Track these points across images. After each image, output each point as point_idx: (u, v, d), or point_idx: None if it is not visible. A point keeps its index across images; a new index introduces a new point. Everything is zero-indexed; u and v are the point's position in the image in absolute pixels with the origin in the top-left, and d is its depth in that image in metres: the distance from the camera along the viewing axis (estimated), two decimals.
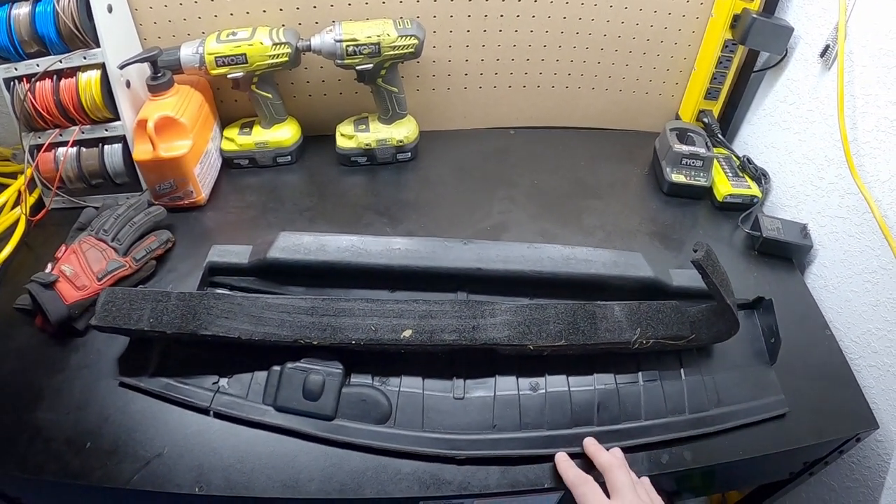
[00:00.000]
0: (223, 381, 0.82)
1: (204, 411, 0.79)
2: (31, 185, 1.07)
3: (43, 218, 1.07)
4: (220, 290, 0.90)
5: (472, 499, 0.75)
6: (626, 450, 0.76)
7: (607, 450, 0.75)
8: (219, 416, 0.79)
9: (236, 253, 0.93)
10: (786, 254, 1.02)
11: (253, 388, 0.81)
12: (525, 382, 0.83)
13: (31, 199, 1.08)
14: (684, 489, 0.90)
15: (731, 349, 0.89)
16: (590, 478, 0.71)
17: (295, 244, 0.91)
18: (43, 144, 1.03)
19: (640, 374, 0.85)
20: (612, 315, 0.84)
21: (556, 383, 0.83)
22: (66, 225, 1.01)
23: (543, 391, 0.82)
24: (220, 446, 0.76)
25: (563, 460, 0.75)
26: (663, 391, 0.84)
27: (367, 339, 0.80)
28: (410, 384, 0.83)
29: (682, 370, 0.87)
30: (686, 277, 0.92)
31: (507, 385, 0.83)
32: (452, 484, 0.75)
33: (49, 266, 0.91)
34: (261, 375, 0.82)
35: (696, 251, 0.78)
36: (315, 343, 0.80)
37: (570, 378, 0.83)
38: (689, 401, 0.83)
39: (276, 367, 0.81)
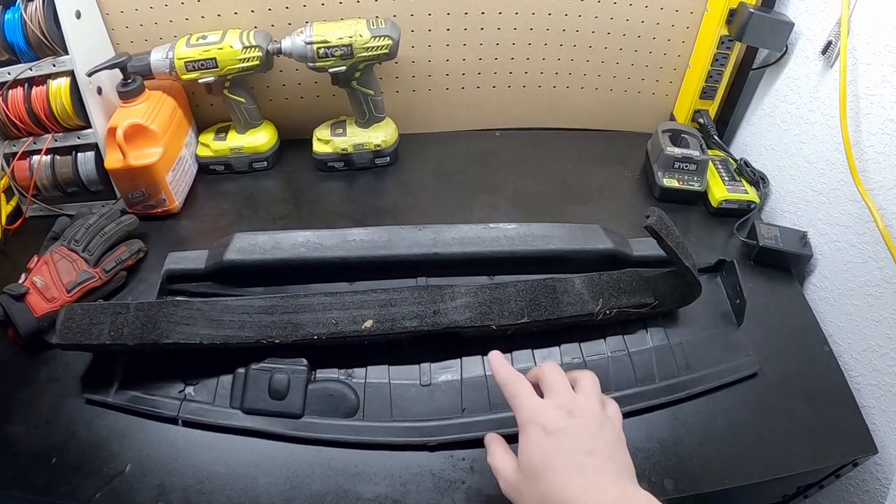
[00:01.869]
0: (189, 389, 0.82)
1: (172, 420, 0.79)
2: (8, 193, 1.07)
3: (20, 226, 1.07)
4: (179, 298, 0.90)
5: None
6: None
7: None
8: (187, 423, 0.79)
9: (193, 259, 0.93)
10: (784, 263, 0.98)
11: (219, 392, 0.81)
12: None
13: (9, 208, 1.08)
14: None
15: (697, 314, 0.90)
16: (522, 376, 0.65)
17: (250, 244, 0.91)
18: (17, 153, 1.02)
19: (605, 344, 0.86)
20: (572, 288, 0.85)
21: (522, 359, 0.84)
22: (43, 233, 1.00)
23: None
24: (184, 463, 0.76)
25: (496, 357, 0.69)
26: (631, 361, 0.85)
27: (328, 332, 0.81)
28: (376, 375, 0.83)
29: (648, 338, 0.88)
30: (647, 246, 0.93)
31: (473, 367, 0.83)
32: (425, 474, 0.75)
33: (22, 277, 0.91)
34: (226, 380, 0.82)
35: (648, 217, 0.78)
36: (277, 342, 0.80)
37: (535, 353, 0.85)
38: (658, 368, 0.84)
39: (241, 370, 0.81)
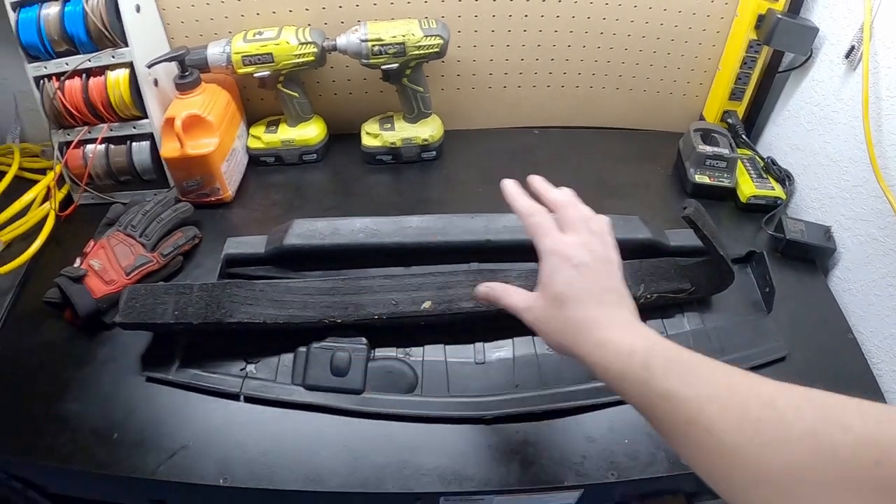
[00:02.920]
0: (250, 367, 0.84)
1: (234, 397, 0.81)
2: (60, 181, 1.09)
3: (71, 214, 1.09)
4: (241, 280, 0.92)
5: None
6: None
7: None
8: (249, 399, 0.81)
9: (252, 244, 0.95)
10: (809, 256, 1.01)
11: (281, 370, 0.83)
12: (542, 343, 0.82)
13: (60, 195, 1.10)
14: (704, 489, 0.90)
15: (730, 301, 0.93)
16: (542, 209, 0.68)
17: (310, 230, 0.94)
18: (72, 141, 1.04)
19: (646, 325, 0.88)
20: None
21: None
22: (92, 220, 1.03)
23: None
24: (246, 438, 0.77)
25: (511, 187, 0.71)
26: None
27: (388, 312, 0.83)
28: (433, 353, 0.86)
29: (685, 322, 0.91)
30: (682, 237, 0.96)
31: (524, 346, 0.86)
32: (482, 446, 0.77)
33: (77, 261, 0.93)
34: (287, 358, 0.84)
35: (685, 208, 0.82)
36: (339, 321, 0.83)
37: None
38: (696, 349, 0.85)
39: (303, 348, 0.84)
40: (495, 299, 0.68)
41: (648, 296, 0.88)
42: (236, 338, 0.85)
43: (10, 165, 1.16)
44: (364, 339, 0.84)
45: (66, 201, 1.11)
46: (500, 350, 0.86)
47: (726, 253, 0.85)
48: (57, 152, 1.06)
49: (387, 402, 0.80)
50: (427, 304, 0.84)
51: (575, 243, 0.63)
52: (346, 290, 0.86)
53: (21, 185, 1.13)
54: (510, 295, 0.67)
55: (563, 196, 0.70)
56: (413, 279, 0.87)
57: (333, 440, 0.77)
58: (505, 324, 0.84)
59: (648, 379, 0.52)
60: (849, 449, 0.39)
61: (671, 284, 0.90)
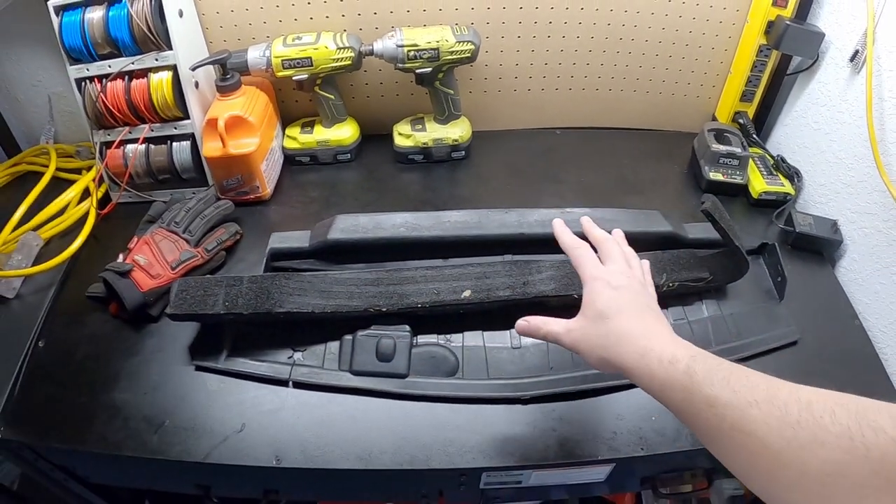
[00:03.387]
0: (297, 355, 0.87)
1: (283, 383, 0.83)
2: (98, 180, 1.12)
3: (110, 212, 1.11)
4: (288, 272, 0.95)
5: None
6: None
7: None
8: (298, 385, 0.83)
9: (296, 238, 0.98)
10: (817, 248, 1.05)
11: (328, 357, 0.86)
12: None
13: (99, 193, 1.12)
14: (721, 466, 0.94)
15: (744, 289, 0.97)
16: (585, 244, 0.73)
17: (353, 225, 0.97)
18: (113, 142, 1.07)
19: (668, 314, 0.92)
20: None
21: None
22: (130, 218, 1.05)
23: None
24: (296, 421, 0.80)
25: (559, 225, 0.77)
26: (691, 328, 0.92)
27: (431, 301, 0.87)
28: (472, 339, 0.89)
29: (704, 308, 0.95)
30: (699, 230, 1.00)
31: None
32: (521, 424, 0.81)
33: (121, 256, 0.96)
34: (333, 346, 0.87)
35: (703, 202, 0.85)
36: (384, 310, 0.86)
37: None
38: (714, 335, 0.91)
39: (349, 336, 0.87)
40: (535, 330, 0.72)
41: (671, 284, 0.92)
42: (283, 328, 0.88)
43: (44, 166, 1.19)
44: (407, 327, 0.87)
45: (104, 200, 1.13)
46: None
47: (741, 244, 0.89)
48: (98, 152, 1.09)
49: (430, 384, 0.84)
50: (467, 293, 0.88)
51: (614, 271, 0.69)
52: (389, 280, 0.89)
53: (56, 185, 1.16)
54: (548, 324, 0.71)
55: (604, 234, 0.76)
56: (453, 270, 0.91)
57: (381, 422, 0.80)
58: (540, 312, 0.87)
59: (692, 386, 0.54)
60: (881, 449, 0.41)
61: (691, 273, 0.94)
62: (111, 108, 1.04)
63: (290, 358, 0.87)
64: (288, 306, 0.85)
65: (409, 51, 1.08)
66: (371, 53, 1.11)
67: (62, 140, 1.32)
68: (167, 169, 1.11)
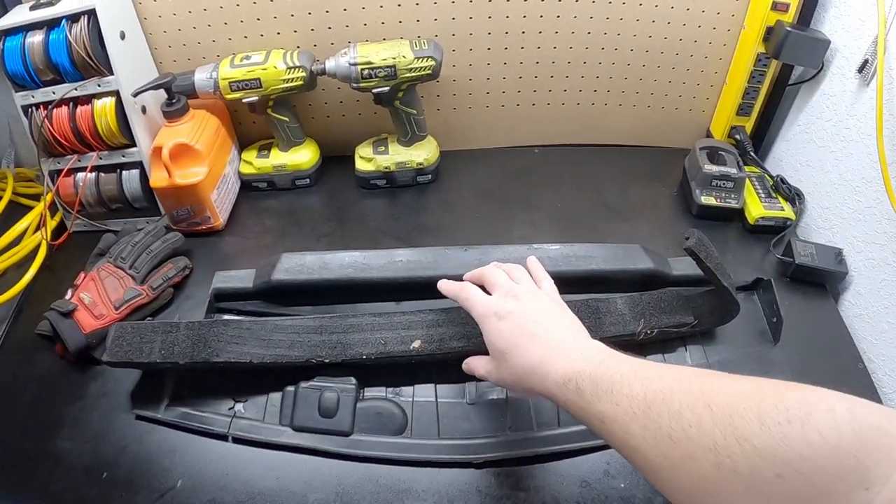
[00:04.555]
0: (239, 406, 0.83)
1: (222, 437, 0.80)
2: (52, 208, 1.08)
3: (64, 241, 1.08)
4: (227, 317, 0.92)
5: None
6: None
7: None
8: (237, 440, 0.80)
9: (240, 278, 0.94)
10: (819, 280, 0.98)
11: (269, 410, 0.83)
12: None
13: (53, 223, 1.10)
14: None
15: (735, 332, 0.91)
16: (468, 283, 0.75)
17: (298, 265, 0.93)
18: (62, 170, 1.03)
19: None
20: (615, 308, 0.87)
21: None
22: (87, 248, 1.02)
23: None
24: (235, 479, 0.77)
25: (442, 283, 0.78)
26: None
27: (377, 353, 0.83)
28: (424, 393, 0.85)
29: (687, 356, 0.89)
30: (686, 265, 0.94)
31: None
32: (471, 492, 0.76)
33: (69, 293, 0.92)
34: (276, 397, 0.83)
35: (687, 238, 0.80)
36: (327, 361, 0.82)
37: None
38: None
39: (291, 388, 0.83)
40: (471, 371, 0.73)
41: (649, 332, 0.85)
42: (226, 375, 0.84)
43: (3, 191, 1.16)
44: (353, 380, 0.83)
45: (60, 228, 1.11)
46: (494, 390, 0.83)
47: (731, 283, 0.83)
48: (48, 180, 1.05)
49: (375, 444, 0.79)
50: (416, 344, 0.82)
51: (499, 297, 0.70)
52: (333, 328, 0.84)
53: (17, 210, 1.13)
54: (467, 362, 0.74)
55: (484, 267, 0.77)
56: (403, 317, 0.85)
57: (322, 483, 0.76)
58: None
59: (584, 405, 0.54)
60: (749, 462, 0.40)
61: (673, 318, 0.87)
62: (57, 135, 1.00)
63: (230, 409, 0.83)
64: (225, 356, 0.81)
65: (363, 69, 1.02)
66: (323, 73, 1.05)
67: (25, 164, 1.28)
68: (118, 198, 1.07)
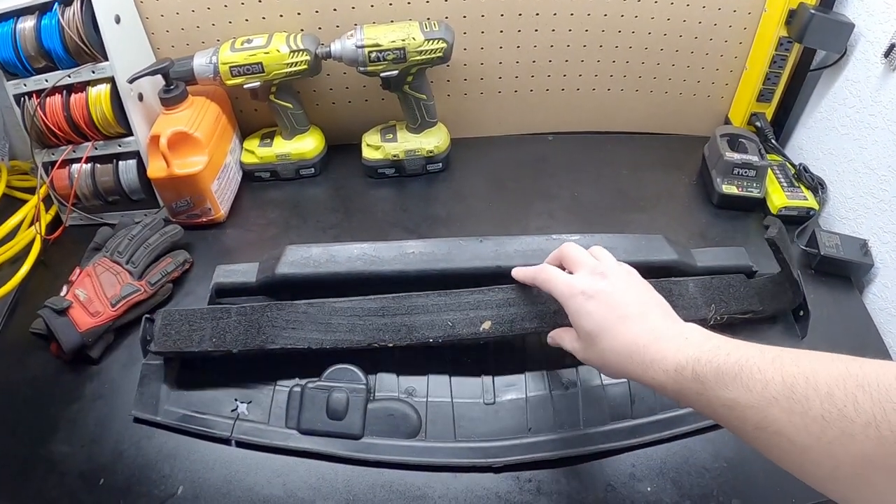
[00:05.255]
0: (242, 407, 0.80)
1: (225, 441, 0.77)
2: (48, 202, 1.06)
3: (60, 235, 1.06)
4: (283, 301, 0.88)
5: None
6: (661, 441, 0.76)
7: None
8: (241, 444, 0.77)
9: (243, 272, 0.91)
10: (844, 272, 0.96)
11: (274, 412, 0.80)
12: (557, 381, 0.81)
13: (48, 217, 1.08)
14: None
15: (760, 325, 0.89)
16: (545, 265, 0.73)
17: (304, 257, 0.88)
18: (56, 161, 1.00)
19: None
20: (687, 292, 0.84)
21: (589, 378, 0.82)
22: (83, 242, 1.00)
23: (577, 389, 0.80)
24: (238, 486, 0.74)
25: (516, 271, 0.78)
26: None
27: (444, 335, 0.79)
28: (438, 393, 0.81)
29: None
30: (710, 256, 0.92)
31: (538, 384, 0.81)
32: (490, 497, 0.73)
33: (64, 289, 0.90)
34: (281, 398, 0.80)
35: (767, 227, 0.82)
36: (390, 345, 0.79)
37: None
38: None
39: (297, 388, 0.80)
40: (555, 344, 0.72)
41: (719, 318, 0.84)
42: (229, 373, 0.82)
43: None
44: (363, 379, 0.79)
45: (56, 223, 1.08)
46: (512, 390, 0.80)
47: (799, 275, 0.84)
48: (42, 172, 1.02)
49: (387, 448, 0.76)
50: (486, 325, 0.78)
51: (583, 276, 0.67)
52: (397, 309, 0.81)
53: (11, 204, 1.10)
54: (555, 334, 0.73)
55: (564, 244, 0.75)
56: (472, 296, 0.81)
57: (330, 490, 0.74)
58: (517, 359, 0.83)
59: (705, 391, 0.53)
60: None
61: (742, 305, 0.86)
62: (50, 125, 0.97)
63: (233, 411, 0.80)
64: (282, 342, 0.79)
65: (370, 52, 0.98)
66: (328, 56, 1.01)
67: (19, 156, 1.24)
68: (115, 190, 1.04)
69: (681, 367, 0.55)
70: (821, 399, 0.44)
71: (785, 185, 1.06)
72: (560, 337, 0.71)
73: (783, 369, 0.48)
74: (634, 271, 0.70)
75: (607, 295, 0.64)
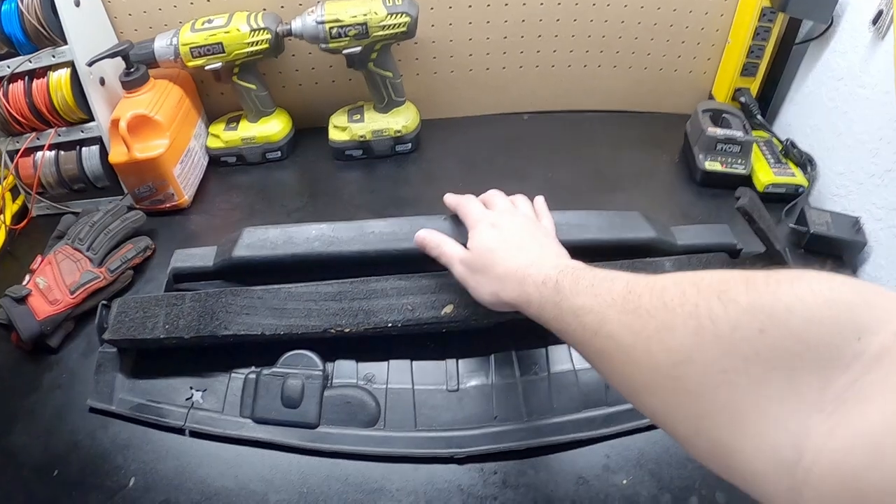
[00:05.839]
0: (197, 396, 0.78)
1: (178, 430, 0.76)
2: (14, 191, 1.05)
3: (27, 225, 1.05)
4: (239, 287, 0.86)
5: None
6: (639, 430, 0.73)
7: None
8: (194, 434, 0.76)
9: (200, 256, 0.88)
10: (836, 251, 0.93)
11: (229, 399, 0.78)
12: (526, 366, 0.79)
13: (15, 207, 1.07)
14: None
15: None
16: (471, 196, 0.79)
17: (261, 239, 0.86)
18: (20, 149, 1.00)
19: None
20: (663, 272, 0.83)
21: (560, 362, 0.79)
22: (50, 232, 0.98)
23: (547, 374, 0.78)
24: (190, 477, 0.72)
25: (447, 196, 0.82)
26: None
27: (404, 319, 0.78)
28: (399, 379, 0.79)
29: None
30: (691, 234, 0.90)
31: (505, 370, 0.79)
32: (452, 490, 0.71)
33: (26, 278, 0.88)
34: (237, 385, 0.78)
35: (738, 198, 0.79)
36: (347, 330, 0.78)
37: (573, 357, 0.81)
38: None
39: (252, 375, 0.78)
40: (434, 245, 0.75)
41: None
42: (185, 360, 0.80)
43: None
44: (320, 365, 0.77)
45: (23, 212, 1.07)
46: (477, 375, 0.78)
47: (783, 248, 0.81)
48: (6, 160, 1.01)
49: (344, 437, 0.74)
50: (448, 309, 0.77)
51: (497, 212, 0.74)
52: (354, 294, 0.80)
53: None
54: (444, 243, 0.74)
55: (491, 190, 0.80)
56: (433, 280, 0.81)
57: (283, 481, 0.72)
58: (482, 341, 0.80)
59: (560, 300, 0.54)
60: (731, 321, 0.37)
61: None
62: (13, 112, 0.96)
63: (188, 399, 0.78)
64: (235, 328, 0.77)
65: (331, 27, 0.96)
66: (290, 34, 0.99)
67: None
68: (79, 177, 1.03)
69: (547, 279, 0.57)
70: (652, 295, 0.44)
71: (772, 161, 1.03)
72: (451, 256, 0.72)
73: (635, 279, 0.48)
74: (549, 225, 0.77)
75: (510, 228, 0.70)
